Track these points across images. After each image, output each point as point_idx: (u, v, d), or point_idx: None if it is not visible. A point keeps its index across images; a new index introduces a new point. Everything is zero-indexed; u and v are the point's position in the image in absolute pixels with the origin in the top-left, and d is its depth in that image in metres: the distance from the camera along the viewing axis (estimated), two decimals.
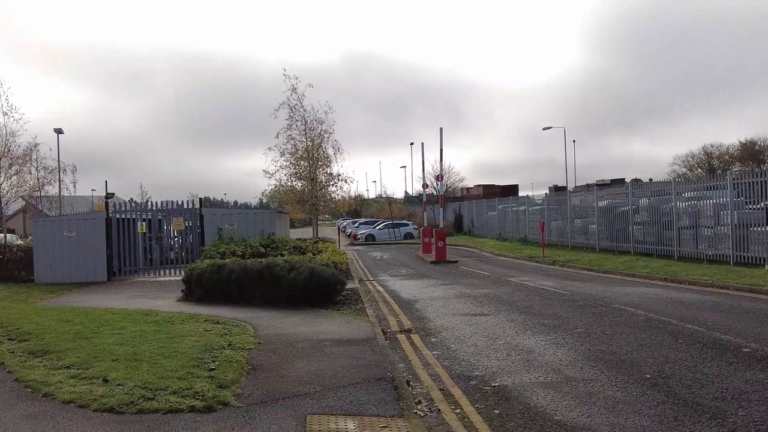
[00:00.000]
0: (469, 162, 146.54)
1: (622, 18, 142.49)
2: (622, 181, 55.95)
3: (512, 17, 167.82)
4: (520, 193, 62.90)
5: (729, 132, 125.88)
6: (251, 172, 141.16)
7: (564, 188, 51.26)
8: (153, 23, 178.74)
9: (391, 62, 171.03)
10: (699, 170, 66.02)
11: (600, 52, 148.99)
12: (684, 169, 68.45)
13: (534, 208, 34.77)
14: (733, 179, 19.12)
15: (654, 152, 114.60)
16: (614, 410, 6.06)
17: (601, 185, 43.60)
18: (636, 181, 46.53)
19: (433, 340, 9.84)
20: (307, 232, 37.40)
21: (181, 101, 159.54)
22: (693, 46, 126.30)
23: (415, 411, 6.13)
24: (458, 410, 6.24)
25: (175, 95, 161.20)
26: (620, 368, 7.64)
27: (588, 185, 53.27)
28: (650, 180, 50.48)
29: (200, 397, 6.21)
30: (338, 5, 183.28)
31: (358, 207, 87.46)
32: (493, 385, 7.10)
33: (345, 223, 63.37)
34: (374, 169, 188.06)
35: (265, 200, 42.54)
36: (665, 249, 21.64)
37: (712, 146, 69.26)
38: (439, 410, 6.25)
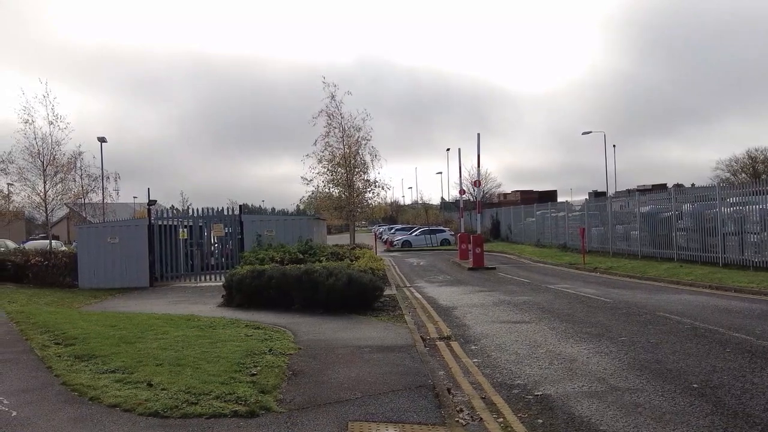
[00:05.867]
0: (500, 167, 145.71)
1: (652, 17, 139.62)
2: (663, 186, 54.94)
3: (533, 20, 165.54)
4: (559, 199, 62.21)
5: None
6: (281, 177, 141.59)
7: (603, 194, 50.56)
8: (166, 27, 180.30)
9: (408, 67, 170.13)
10: (743, 175, 64.21)
11: (632, 54, 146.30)
12: (727, 174, 66.75)
13: (573, 214, 34.28)
14: None
15: (692, 157, 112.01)
16: (661, 421, 5.92)
17: (643, 190, 42.85)
18: (678, 186, 45.61)
19: (473, 347, 9.76)
20: (343, 239, 37.54)
21: (200, 107, 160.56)
22: (731, 46, 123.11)
23: (456, 419, 6.08)
24: (501, 419, 6.16)
25: (194, 100, 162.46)
26: (666, 378, 7.46)
27: (629, 191, 52.41)
28: (692, 185, 49.51)
29: (243, 402, 6.25)
30: (354, 11, 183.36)
31: (394, 213, 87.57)
32: (535, 394, 7.00)
33: (381, 230, 63.42)
34: (410, 176, 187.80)
35: (302, 207, 42.92)
36: (709, 256, 21.12)
37: (756, 150, 67.36)
38: (482, 419, 6.18)
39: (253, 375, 7.37)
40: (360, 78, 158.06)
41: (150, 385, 6.86)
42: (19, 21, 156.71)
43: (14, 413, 6.12)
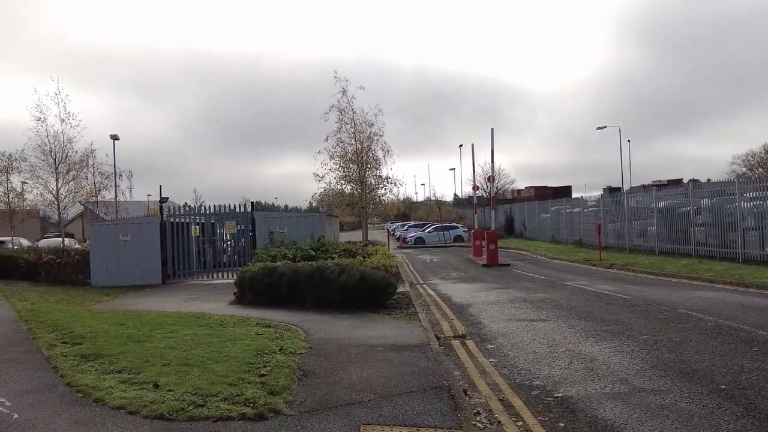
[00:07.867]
0: (512, 164, 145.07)
1: (662, 14, 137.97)
2: (679, 181, 54.25)
3: (543, 18, 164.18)
4: (573, 195, 61.63)
5: None
6: (291, 175, 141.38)
7: (618, 189, 49.98)
8: (167, 27, 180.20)
9: (414, 66, 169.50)
10: (760, 170, 63.41)
11: (644, 51, 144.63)
12: (744, 169, 65.95)
13: (588, 209, 33.87)
14: None
15: (706, 153, 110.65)
16: (689, 424, 5.63)
17: (659, 186, 42.31)
18: (694, 181, 44.99)
19: (489, 346, 9.48)
20: (355, 236, 37.33)
21: (205, 106, 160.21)
22: (740, 42, 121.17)
23: (474, 423, 5.82)
24: (520, 422, 5.89)
25: (199, 99, 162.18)
26: (692, 378, 7.16)
27: (644, 186, 51.84)
28: (708, 180, 48.87)
29: (251, 405, 6.04)
30: (360, 9, 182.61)
31: (406, 210, 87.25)
32: (556, 395, 6.71)
33: (394, 226, 63.06)
34: (422, 172, 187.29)
35: (314, 203, 42.76)
36: (729, 251, 20.70)
37: None
38: (500, 422, 5.91)
39: (263, 375, 7.15)
40: (367, 76, 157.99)
41: (156, 385, 6.66)
42: (19, 21, 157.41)
43: (15, 416, 5.93)
